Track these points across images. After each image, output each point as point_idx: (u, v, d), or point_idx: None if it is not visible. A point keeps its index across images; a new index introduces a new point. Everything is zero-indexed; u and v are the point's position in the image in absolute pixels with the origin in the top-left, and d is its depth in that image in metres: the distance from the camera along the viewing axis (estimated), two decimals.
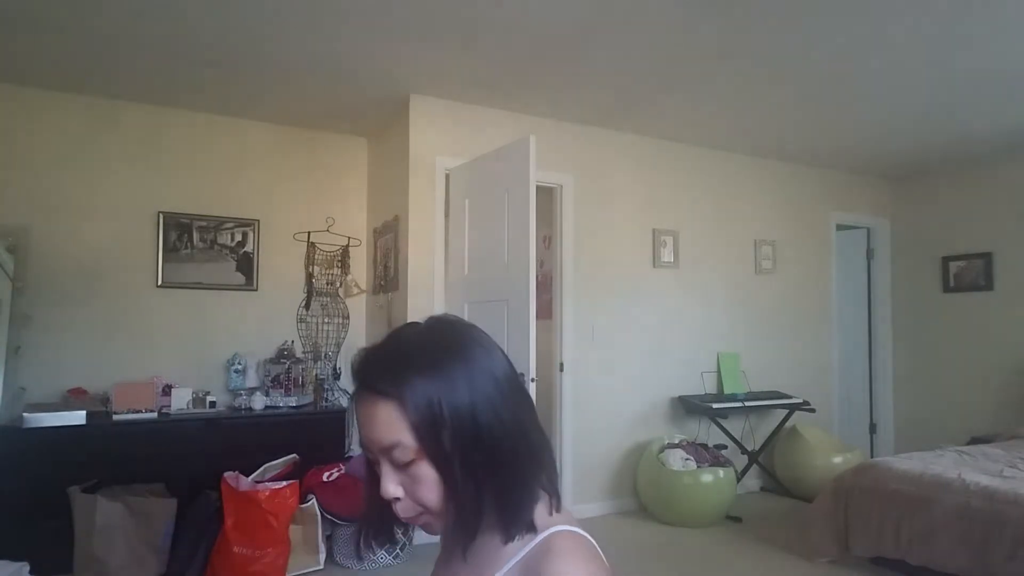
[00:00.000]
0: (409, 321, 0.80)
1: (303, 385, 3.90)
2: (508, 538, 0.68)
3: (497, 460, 0.68)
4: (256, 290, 4.07)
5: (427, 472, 0.68)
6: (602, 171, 4.33)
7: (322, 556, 3.23)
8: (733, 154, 4.88)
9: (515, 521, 0.69)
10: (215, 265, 3.96)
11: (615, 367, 4.32)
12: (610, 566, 0.69)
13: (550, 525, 0.70)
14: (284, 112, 3.99)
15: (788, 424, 4.73)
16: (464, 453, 0.68)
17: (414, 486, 0.69)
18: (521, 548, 0.69)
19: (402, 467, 0.68)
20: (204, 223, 3.94)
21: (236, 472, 3.15)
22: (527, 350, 2.99)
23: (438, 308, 3.64)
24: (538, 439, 0.74)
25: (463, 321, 0.77)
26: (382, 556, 3.23)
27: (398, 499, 0.70)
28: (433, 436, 0.67)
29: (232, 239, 4.02)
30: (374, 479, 0.73)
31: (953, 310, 5.23)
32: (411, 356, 0.70)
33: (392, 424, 0.67)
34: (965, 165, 5.13)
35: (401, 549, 3.28)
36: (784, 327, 5.05)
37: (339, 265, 4.12)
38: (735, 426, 4.64)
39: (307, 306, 4.04)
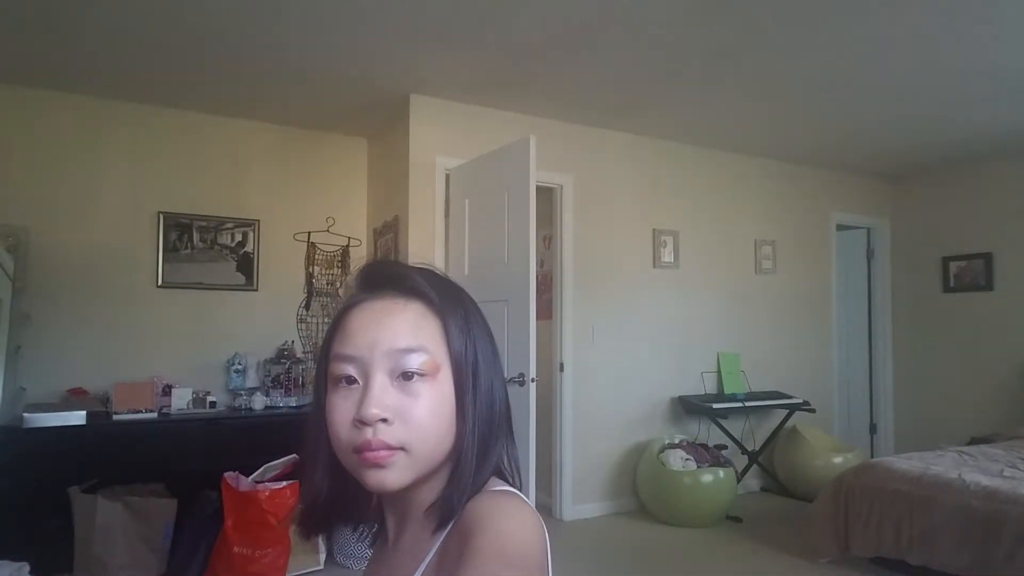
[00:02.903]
0: None
1: (303, 385, 3.89)
2: (454, 504, 0.62)
3: (490, 411, 0.66)
4: (256, 290, 4.07)
5: (432, 391, 0.61)
6: (602, 171, 4.33)
7: (322, 556, 3.23)
8: (733, 154, 4.88)
9: (474, 478, 0.63)
10: (215, 265, 3.96)
11: (615, 367, 4.32)
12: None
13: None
14: (284, 112, 3.99)
15: (788, 424, 4.73)
16: (475, 390, 0.64)
17: (408, 406, 0.60)
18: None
19: (405, 379, 0.60)
20: (204, 223, 3.94)
21: (236, 472, 3.15)
22: (527, 350, 2.99)
23: None
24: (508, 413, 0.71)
25: None
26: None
27: (384, 421, 0.59)
28: (462, 353, 0.64)
29: (232, 239, 4.02)
30: (320, 429, 0.63)
31: (953, 310, 5.22)
32: (444, 277, 0.68)
33: (421, 328, 0.62)
34: (965, 165, 5.13)
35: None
36: (784, 327, 5.05)
37: (339, 265, 4.12)
38: (735, 426, 4.64)
39: (307, 306, 4.03)
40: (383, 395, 0.60)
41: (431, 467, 0.63)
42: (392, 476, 0.60)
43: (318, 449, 0.66)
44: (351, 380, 0.61)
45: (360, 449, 0.59)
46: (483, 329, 0.69)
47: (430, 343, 0.62)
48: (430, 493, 0.65)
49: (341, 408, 0.61)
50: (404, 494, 0.64)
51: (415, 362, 0.60)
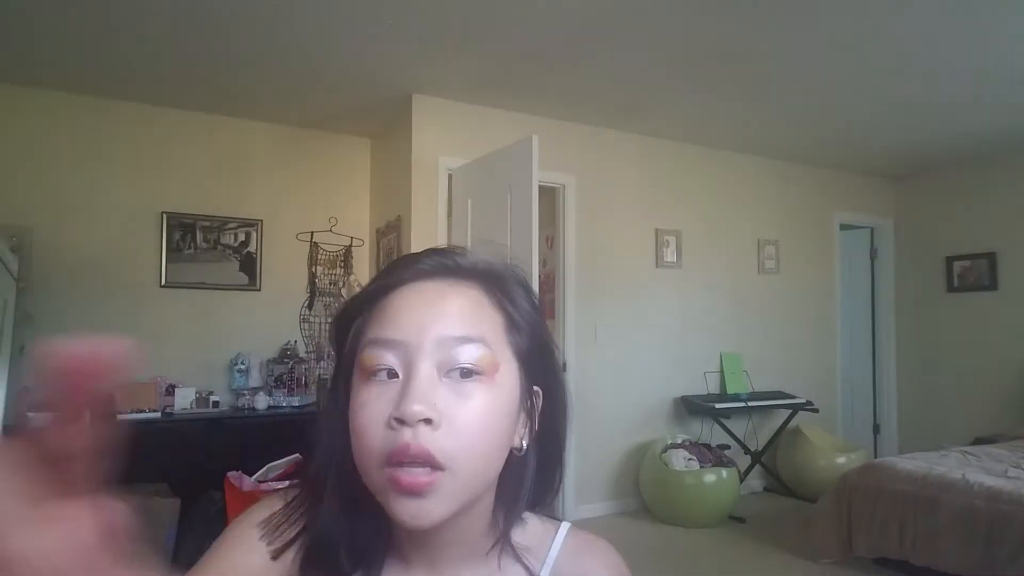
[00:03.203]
0: None
1: (306, 385, 3.90)
2: (506, 526, 0.56)
3: (555, 432, 0.59)
4: (259, 290, 4.07)
5: (489, 395, 0.50)
6: (605, 171, 4.33)
7: None
8: (736, 154, 4.87)
9: (534, 501, 0.58)
10: (218, 265, 3.97)
11: (618, 367, 4.31)
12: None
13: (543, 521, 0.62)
14: (287, 112, 4.00)
15: (791, 424, 4.72)
16: (550, 399, 0.57)
17: (459, 409, 0.49)
18: (542, 547, 0.58)
19: (458, 377, 0.50)
20: (207, 223, 3.95)
21: (239, 472, 3.15)
22: None
23: None
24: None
25: None
26: None
27: (427, 422, 0.47)
28: (532, 354, 0.55)
29: (235, 239, 4.03)
30: (339, 428, 0.51)
31: (957, 310, 5.21)
32: (513, 267, 0.59)
33: (480, 317, 0.52)
34: (969, 164, 5.12)
35: None
36: (787, 327, 5.04)
37: (342, 265, 4.12)
38: (738, 426, 4.63)
39: (310, 306, 4.04)
40: (431, 390, 0.48)
41: (475, 494, 0.51)
42: (433, 508, 0.48)
43: (328, 466, 0.54)
44: (392, 373, 0.50)
45: (393, 459, 0.47)
46: (549, 335, 0.60)
47: (490, 335, 0.52)
48: (470, 530, 0.54)
49: (374, 407, 0.49)
50: (439, 531, 0.51)
51: (472, 355, 0.50)
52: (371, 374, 0.50)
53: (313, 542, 0.54)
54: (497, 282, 0.55)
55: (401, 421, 0.47)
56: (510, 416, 0.52)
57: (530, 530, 0.59)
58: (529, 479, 0.56)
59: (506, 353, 0.53)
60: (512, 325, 0.54)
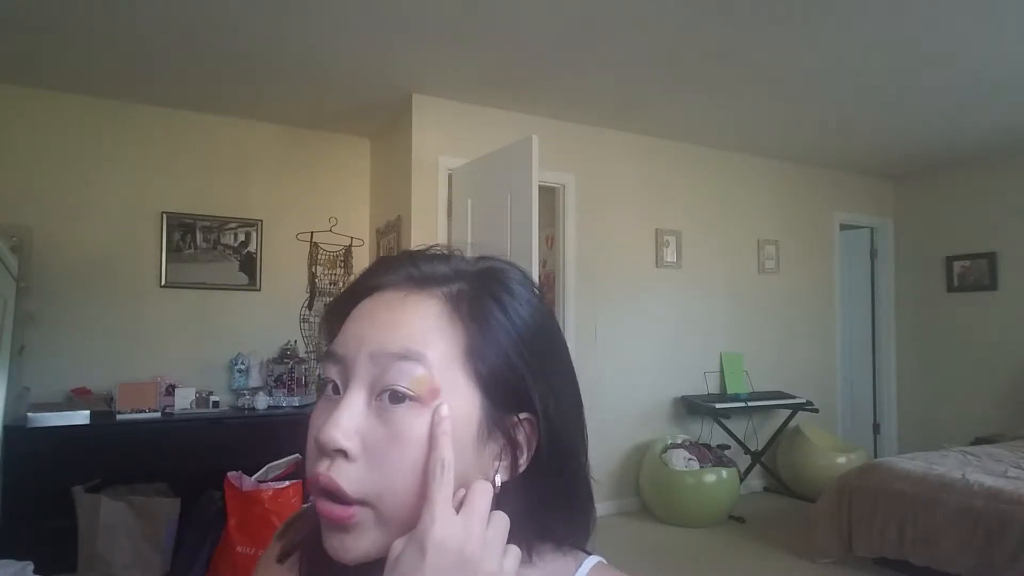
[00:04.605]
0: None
1: (306, 385, 3.90)
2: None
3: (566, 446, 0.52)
4: (259, 290, 4.08)
5: (424, 427, 0.43)
6: (605, 171, 4.33)
7: None
8: (736, 154, 4.87)
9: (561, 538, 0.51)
10: (218, 265, 3.97)
11: (617, 367, 4.31)
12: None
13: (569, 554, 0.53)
14: (287, 112, 4.00)
15: (791, 424, 4.72)
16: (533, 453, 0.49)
17: (383, 443, 0.43)
18: None
19: (391, 402, 0.44)
20: (207, 223, 3.95)
21: (239, 472, 3.15)
22: None
23: None
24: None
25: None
26: None
27: (346, 458, 0.43)
28: (509, 374, 0.47)
29: (235, 239, 4.03)
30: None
31: (957, 310, 5.21)
32: (515, 278, 0.52)
33: (432, 334, 0.45)
34: (969, 164, 5.11)
35: None
36: (787, 327, 5.04)
37: (342, 265, 4.12)
38: (738, 426, 4.63)
39: (310, 306, 4.04)
40: (351, 416, 0.44)
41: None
42: (355, 543, 0.44)
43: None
44: (336, 388, 0.47)
45: (312, 484, 0.45)
46: (555, 350, 0.52)
47: (438, 355, 0.45)
48: None
49: (315, 424, 0.46)
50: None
51: (405, 375, 0.44)
52: (323, 387, 0.48)
53: (313, 544, 0.50)
54: (472, 295, 0.48)
55: (319, 447, 0.44)
56: (459, 448, 0.44)
57: (545, 566, 0.50)
58: (525, 517, 0.48)
59: (457, 378, 0.45)
60: (477, 346, 0.46)
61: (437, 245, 0.52)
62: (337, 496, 0.43)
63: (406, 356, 0.44)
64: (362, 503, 0.43)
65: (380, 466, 0.43)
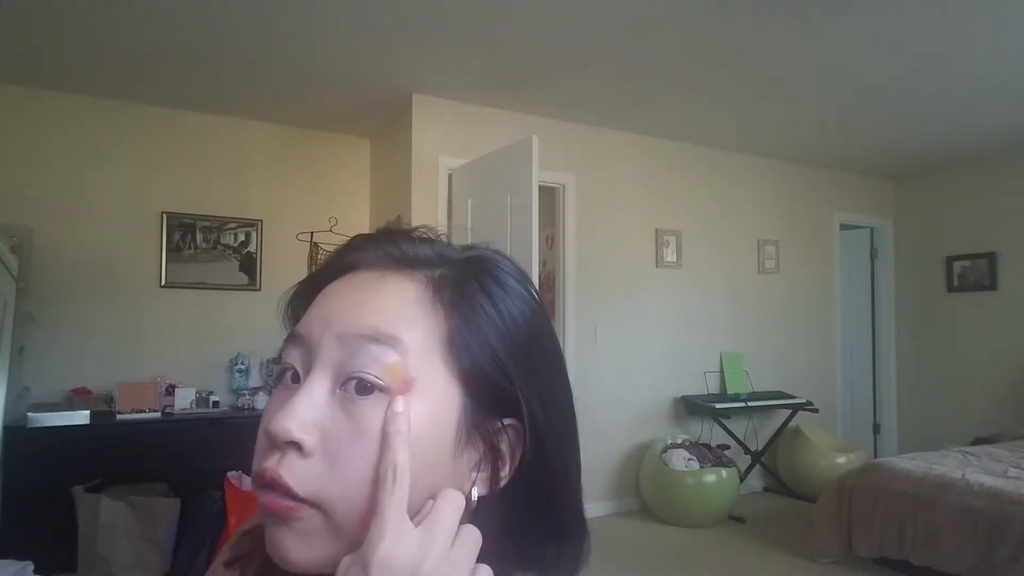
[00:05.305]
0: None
1: None
2: None
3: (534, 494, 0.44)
4: (259, 290, 4.07)
5: (380, 419, 0.38)
6: (605, 171, 4.33)
7: None
8: (736, 154, 4.87)
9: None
10: (218, 265, 3.97)
11: (617, 367, 4.31)
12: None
13: None
14: (287, 112, 4.00)
15: (791, 424, 4.72)
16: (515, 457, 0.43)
17: (343, 438, 0.38)
18: None
19: (357, 392, 0.39)
20: (207, 223, 3.95)
21: (239, 472, 3.15)
22: None
23: None
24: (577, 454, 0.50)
25: None
26: None
27: (299, 451, 0.38)
28: (494, 372, 0.41)
29: (235, 239, 4.03)
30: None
31: (957, 310, 5.21)
32: (497, 263, 0.46)
33: (408, 317, 0.40)
34: (969, 164, 5.11)
35: None
36: (787, 327, 5.04)
37: None
38: (738, 426, 4.63)
39: None
40: (309, 404, 0.38)
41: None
42: (298, 546, 0.38)
43: None
44: (295, 376, 0.41)
45: (257, 479, 0.39)
46: (552, 372, 0.46)
47: (415, 341, 0.39)
48: None
49: (267, 416, 0.40)
50: None
51: (375, 360, 0.38)
52: (281, 375, 0.43)
53: (264, 556, 0.42)
54: (457, 281, 0.42)
55: (268, 437, 0.39)
56: (433, 454, 0.39)
57: None
58: (502, 540, 0.42)
59: (436, 370, 0.40)
60: (461, 337, 0.41)
61: (424, 226, 0.48)
62: (285, 492, 0.38)
63: (378, 339, 0.39)
64: (313, 505, 0.38)
65: (338, 465, 0.38)
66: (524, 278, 0.46)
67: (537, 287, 0.50)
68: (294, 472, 0.38)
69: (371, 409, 0.38)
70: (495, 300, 0.43)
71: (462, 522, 0.39)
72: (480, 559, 0.38)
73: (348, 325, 0.40)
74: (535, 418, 0.42)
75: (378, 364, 0.38)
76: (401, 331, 0.39)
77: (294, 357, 0.42)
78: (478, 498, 0.41)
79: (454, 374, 0.40)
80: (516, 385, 0.42)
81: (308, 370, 0.40)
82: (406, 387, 0.39)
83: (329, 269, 0.45)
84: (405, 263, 0.43)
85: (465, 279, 0.43)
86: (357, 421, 0.38)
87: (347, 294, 0.42)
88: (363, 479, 0.37)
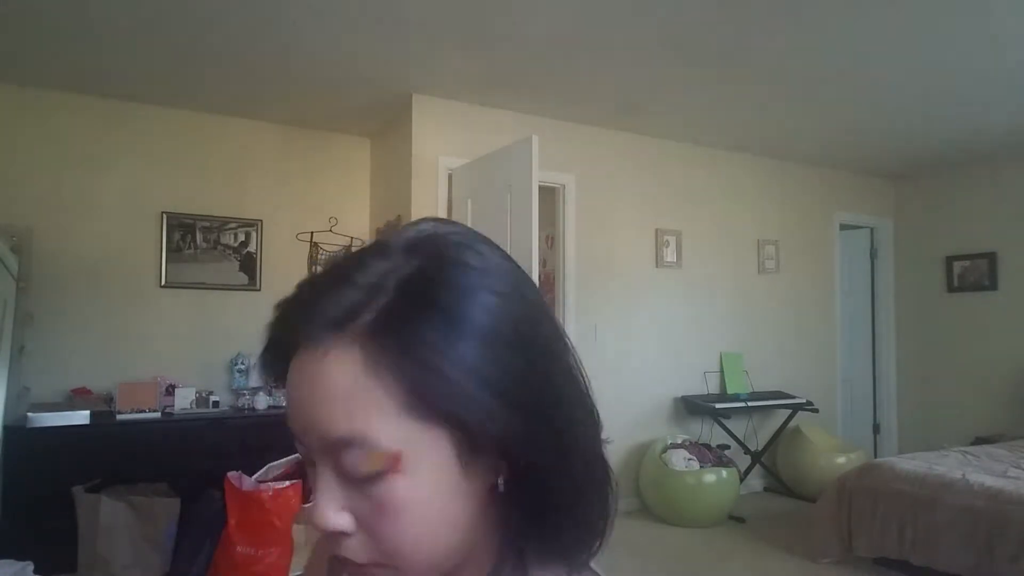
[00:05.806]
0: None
1: None
2: None
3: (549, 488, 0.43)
4: (259, 290, 4.07)
5: (406, 490, 0.40)
6: (605, 171, 4.33)
7: None
8: (736, 154, 4.87)
9: None
10: (218, 265, 3.97)
11: (617, 367, 4.31)
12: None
13: None
14: (287, 112, 4.00)
15: (791, 424, 4.72)
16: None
17: (373, 516, 0.40)
18: None
19: (357, 480, 0.40)
20: (207, 223, 3.95)
21: (239, 472, 3.15)
22: None
23: None
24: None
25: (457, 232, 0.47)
26: None
27: (345, 534, 0.41)
28: (471, 414, 0.39)
29: (235, 239, 4.03)
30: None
31: (957, 310, 5.21)
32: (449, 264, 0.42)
33: (359, 404, 0.39)
34: (969, 164, 5.11)
35: None
36: (787, 327, 5.04)
37: None
38: (738, 426, 4.63)
39: None
40: (330, 501, 0.41)
41: (442, 570, 0.43)
42: None
43: None
44: (311, 462, 0.43)
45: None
46: (540, 347, 0.45)
47: (375, 425, 0.39)
48: None
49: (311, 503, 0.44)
50: None
51: (358, 462, 0.39)
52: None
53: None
54: (398, 314, 0.39)
55: (318, 530, 0.42)
56: (453, 486, 0.41)
57: None
58: (518, 521, 0.43)
59: (413, 428, 0.39)
60: (422, 386, 0.39)
61: (354, 241, 0.46)
62: (362, 571, 0.42)
63: (350, 443, 0.39)
64: (379, 565, 0.42)
65: (379, 537, 0.41)
66: (487, 259, 0.44)
67: (502, 254, 0.49)
68: (350, 550, 0.41)
69: (378, 488, 0.40)
70: (450, 314, 0.39)
71: (489, 509, 0.43)
72: (501, 544, 0.43)
73: (323, 433, 0.40)
74: (532, 436, 0.41)
75: (362, 463, 0.39)
76: (365, 423, 0.39)
77: (300, 449, 0.44)
78: (504, 482, 0.43)
79: (433, 420, 0.40)
80: (499, 417, 0.40)
81: (311, 463, 0.43)
82: (395, 461, 0.39)
83: (275, 346, 0.45)
84: (338, 321, 0.40)
85: (406, 308, 0.39)
86: (374, 499, 0.40)
87: (303, 388, 0.41)
88: (405, 541, 0.41)
